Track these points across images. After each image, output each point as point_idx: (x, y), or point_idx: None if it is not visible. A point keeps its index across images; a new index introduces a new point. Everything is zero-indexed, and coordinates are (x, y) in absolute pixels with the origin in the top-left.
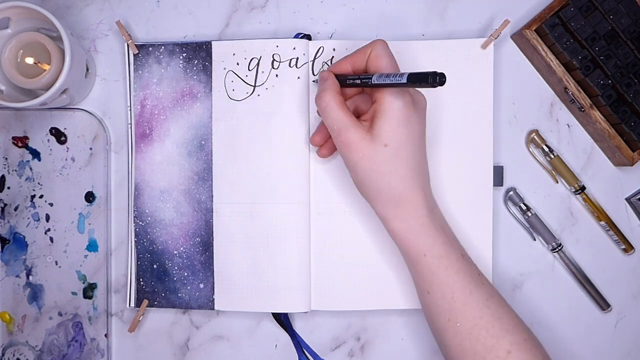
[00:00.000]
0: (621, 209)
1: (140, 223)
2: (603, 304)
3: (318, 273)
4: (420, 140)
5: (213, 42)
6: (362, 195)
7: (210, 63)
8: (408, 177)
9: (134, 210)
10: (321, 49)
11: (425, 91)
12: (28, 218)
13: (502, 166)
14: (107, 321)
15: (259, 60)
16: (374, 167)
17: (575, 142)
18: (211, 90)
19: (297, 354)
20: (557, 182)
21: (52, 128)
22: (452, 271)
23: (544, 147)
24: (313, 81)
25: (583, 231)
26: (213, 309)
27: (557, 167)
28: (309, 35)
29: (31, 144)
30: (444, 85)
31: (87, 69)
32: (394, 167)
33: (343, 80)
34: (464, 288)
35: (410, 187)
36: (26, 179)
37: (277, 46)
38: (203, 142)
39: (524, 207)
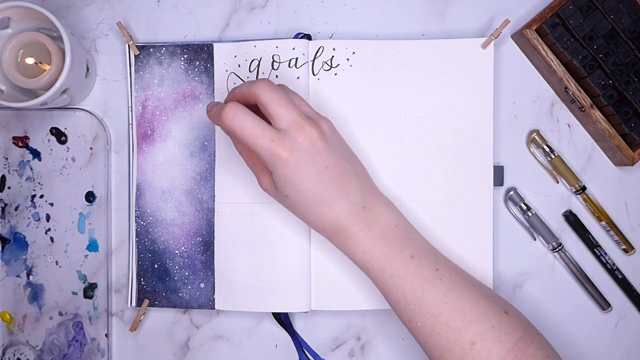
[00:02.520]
0: (621, 209)
1: (142, 223)
2: (603, 304)
3: (318, 273)
4: (322, 174)
5: (215, 44)
6: None
7: (212, 65)
8: (322, 213)
9: (136, 210)
10: (321, 48)
11: (424, 90)
12: (28, 218)
13: (502, 166)
14: (107, 321)
15: (259, 62)
16: (293, 210)
17: (576, 142)
18: (213, 92)
19: (297, 354)
20: (558, 182)
21: (52, 128)
22: (397, 278)
23: (545, 147)
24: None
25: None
26: (213, 308)
27: (558, 167)
28: (309, 35)
29: (31, 144)
30: (445, 86)
31: (88, 69)
32: (305, 210)
33: None
34: (414, 291)
35: (330, 220)
36: (26, 179)
37: (276, 47)
38: (206, 143)
39: (524, 207)
